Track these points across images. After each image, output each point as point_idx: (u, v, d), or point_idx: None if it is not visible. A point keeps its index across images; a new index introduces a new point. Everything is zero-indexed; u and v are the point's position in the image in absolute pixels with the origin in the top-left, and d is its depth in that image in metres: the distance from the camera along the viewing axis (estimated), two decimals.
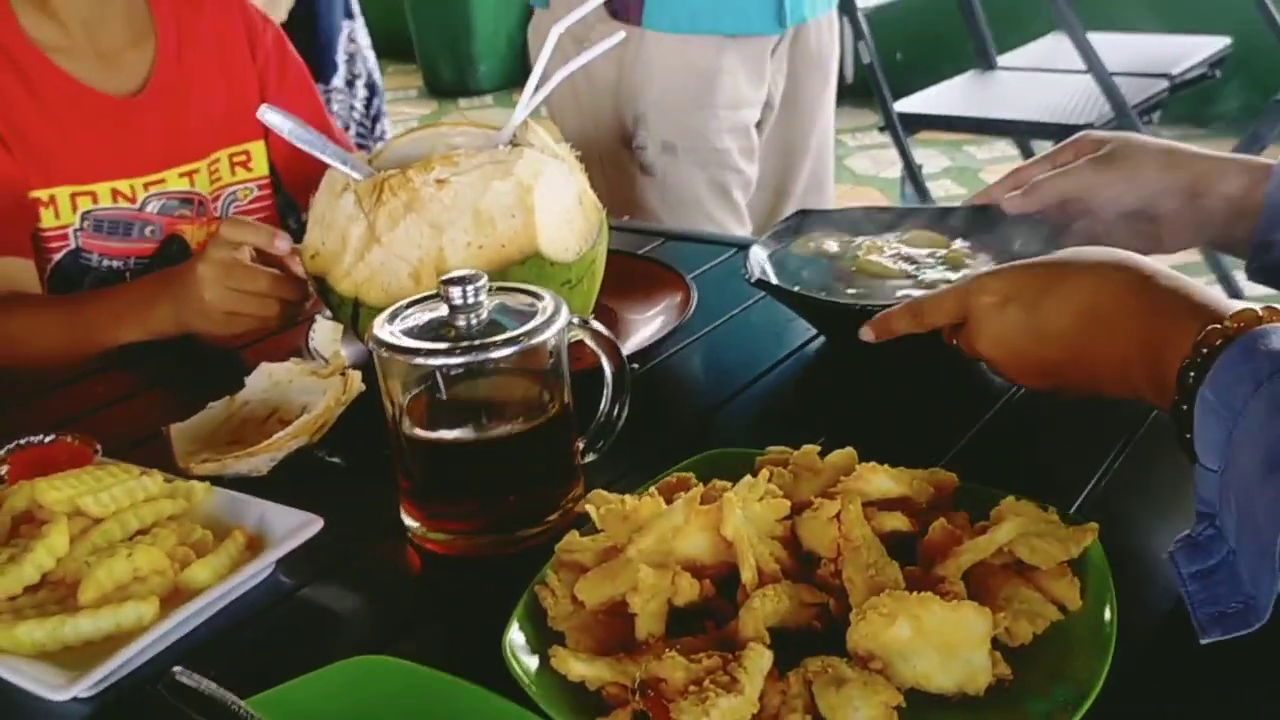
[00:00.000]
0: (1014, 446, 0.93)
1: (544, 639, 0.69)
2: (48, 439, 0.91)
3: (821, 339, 1.12)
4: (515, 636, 0.69)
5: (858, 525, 0.69)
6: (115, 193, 1.34)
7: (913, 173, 3.20)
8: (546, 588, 0.72)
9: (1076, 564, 0.70)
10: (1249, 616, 0.61)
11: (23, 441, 0.91)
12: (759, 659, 0.61)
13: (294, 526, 0.82)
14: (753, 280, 1.07)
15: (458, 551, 0.84)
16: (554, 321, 0.81)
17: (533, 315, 0.81)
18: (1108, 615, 0.67)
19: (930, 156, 4.58)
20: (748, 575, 0.68)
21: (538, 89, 1.09)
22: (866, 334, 0.92)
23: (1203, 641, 0.64)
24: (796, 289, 1.07)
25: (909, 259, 1.10)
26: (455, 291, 0.80)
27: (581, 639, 0.68)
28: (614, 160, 1.88)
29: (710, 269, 1.34)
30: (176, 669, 0.67)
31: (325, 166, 1.05)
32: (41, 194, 1.31)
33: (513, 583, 0.74)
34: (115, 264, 1.36)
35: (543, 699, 0.63)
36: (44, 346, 1.21)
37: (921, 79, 3.29)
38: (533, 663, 0.67)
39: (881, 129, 3.18)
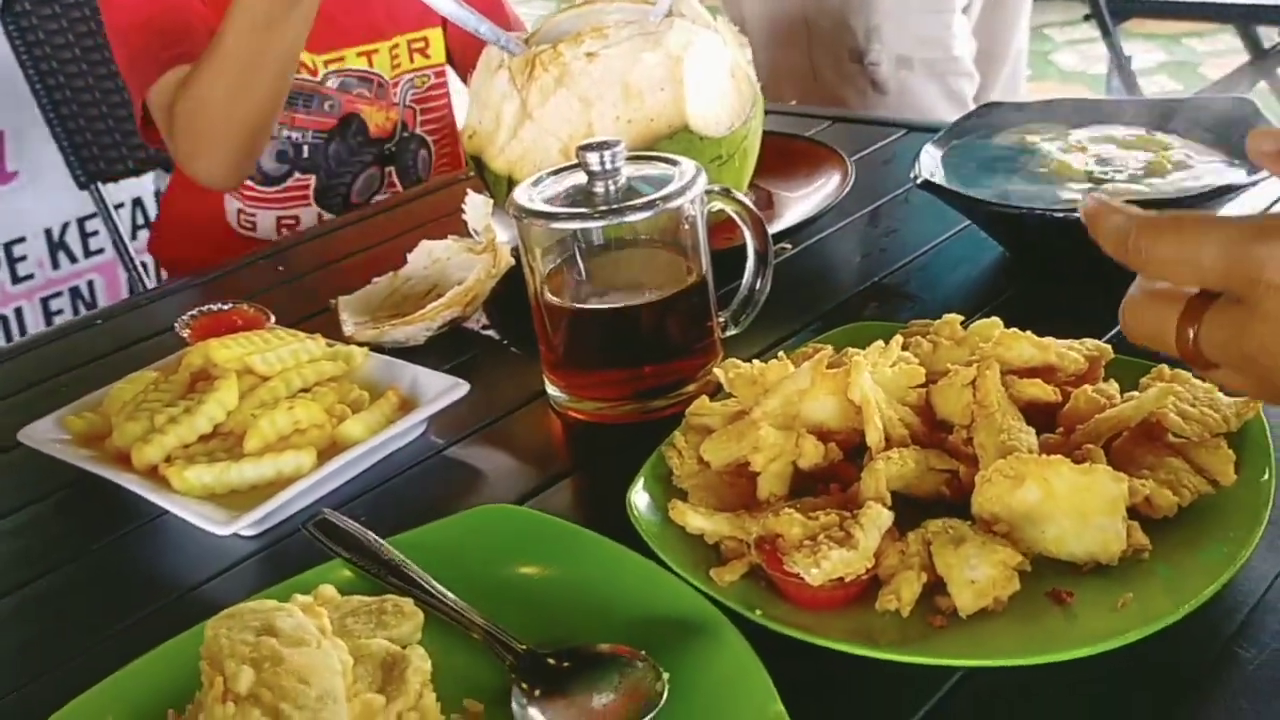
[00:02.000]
0: None
1: (670, 497, 0.70)
2: (226, 306, 0.97)
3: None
4: (639, 492, 0.70)
5: (993, 389, 0.66)
6: (299, 64, 1.40)
7: (1120, 65, 2.99)
8: (674, 448, 0.73)
9: (1234, 439, 0.65)
10: None
11: (206, 308, 0.97)
12: (876, 516, 0.60)
13: (443, 389, 0.85)
14: (919, 182, 0.98)
15: (597, 419, 0.86)
16: (691, 187, 0.80)
17: (671, 182, 0.81)
18: (1264, 493, 0.62)
19: (1144, 50, 4.26)
20: (873, 437, 0.66)
21: None
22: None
23: None
24: (963, 191, 0.96)
25: (1104, 160, 0.99)
26: (593, 158, 0.80)
27: (704, 497, 0.68)
28: (835, 76, 1.84)
29: (875, 150, 1.29)
30: (325, 510, 0.72)
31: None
32: None
33: (647, 448, 0.75)
34: (294, 135, 1.43)
35: (660, 548, 0.64)
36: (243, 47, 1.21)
37: None
38: (655, 517, 0.68)
39: (1087, 17, 2.98)
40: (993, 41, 1.92)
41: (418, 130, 1.53)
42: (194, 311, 0.96)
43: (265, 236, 1.49)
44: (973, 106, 1.88)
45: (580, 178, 0.83)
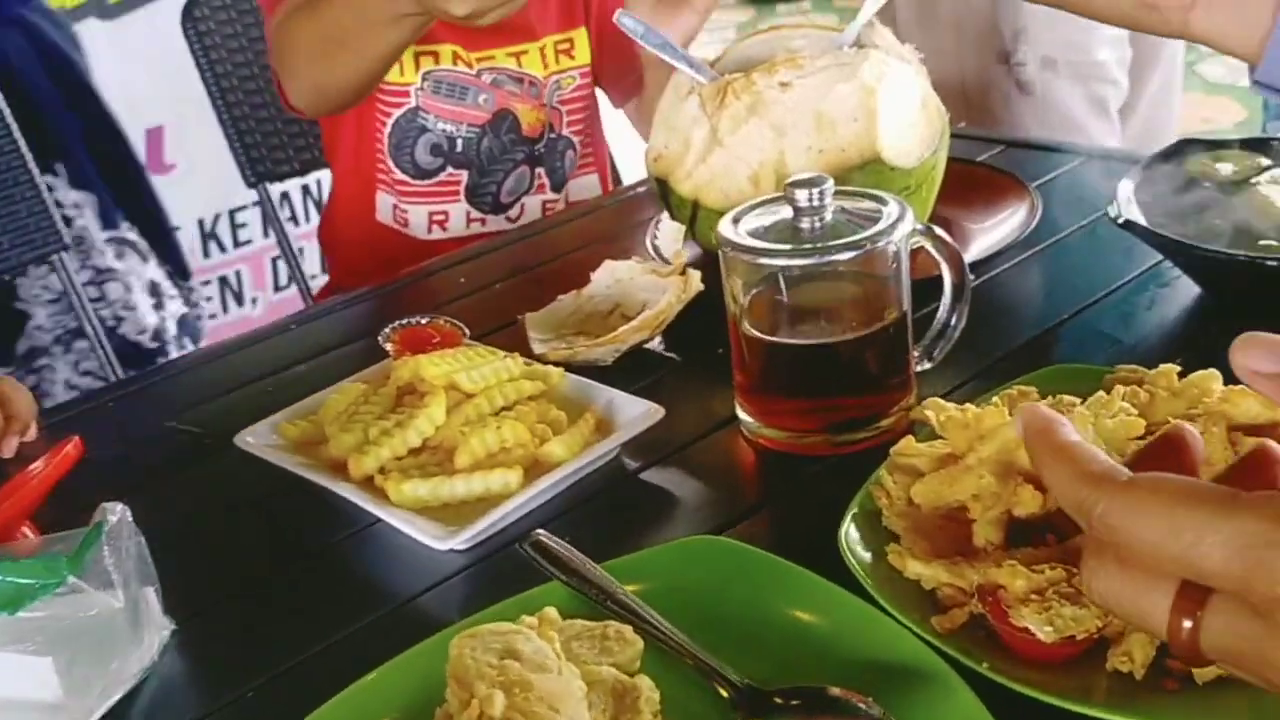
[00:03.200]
0: None
1: (875, 538, 0.71)
2: (424, 320, 1.01)
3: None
4: (851, 530, 0.71)
5: (1220, 448, 0.66)
6: (455, 55, 1.43)
7: None
8: (881, 488, 0.73)
9: None
10: None
11: (405, 321, 1.01)
12: None
13: (638, 414, 0.87)
14: (1120, 221, 0.96)
15: (787, 448, 0.87)
16: (898, 227, 0.80)
17: (876, 220, 0.81)
18: None
19: None
20: None
21: None
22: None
23: None
24: (1171, 236, 0.93)
25: None
26: (801, 194, 0.81)
27: (916, 540, 0.69)
28: (981, 79, 1.83)
29: (1055, 178, 1.28)
30: (539, 531, 0.74)
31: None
32: None
33: (842, 482, 0.75)
34: (448, 127, 1.46)
35: (877, 591, 0.65)
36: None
37: None
38: (866, 557, 0.69)
39: None
40: (1141, 45, 1.88)
41: (564, 132, 1.55)
42: (395, 324, 1.00)
43: (416, 233, 1.53)
44: (1114, 114, 1.86)
45: (785, 211, 0.84)
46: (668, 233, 0.99)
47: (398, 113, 1.45)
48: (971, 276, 1.07)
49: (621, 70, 1.57)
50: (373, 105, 1.45)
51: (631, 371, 0.98)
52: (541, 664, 0.58)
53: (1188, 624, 0.38)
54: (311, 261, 2.34)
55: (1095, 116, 1.82)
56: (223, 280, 2.87)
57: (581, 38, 1.52)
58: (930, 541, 0.69)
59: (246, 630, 0.77)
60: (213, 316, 2.74)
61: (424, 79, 1.44)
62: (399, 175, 1.49)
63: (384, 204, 1.54)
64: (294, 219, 2.84)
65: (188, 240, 2.69)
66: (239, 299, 2.91)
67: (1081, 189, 1.25)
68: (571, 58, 1.52)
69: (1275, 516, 0.35)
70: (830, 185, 0.82)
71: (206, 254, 2.81)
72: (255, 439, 0.89)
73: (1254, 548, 0.35)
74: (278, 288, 2.91)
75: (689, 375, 1.00)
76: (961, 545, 0.68)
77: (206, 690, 0.72)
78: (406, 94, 1.44)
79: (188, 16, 1.91)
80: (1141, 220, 0.95)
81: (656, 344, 1.03)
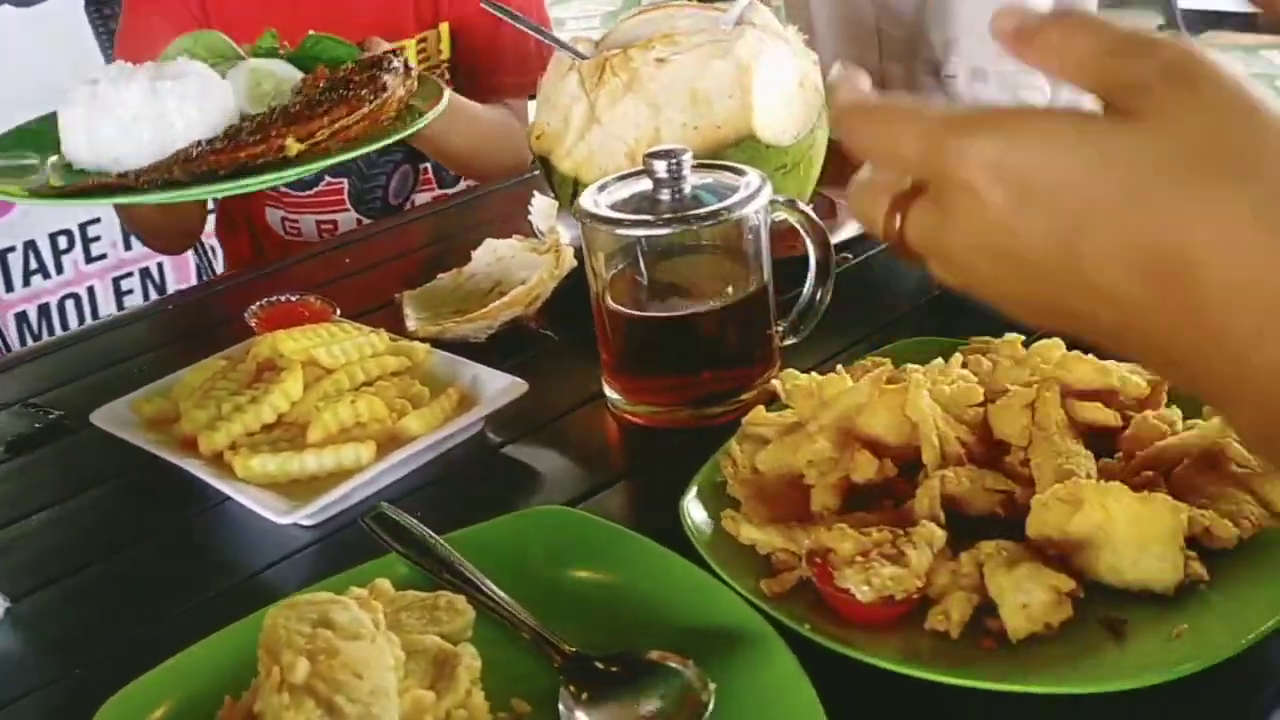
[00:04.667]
0: None
1: (722, 506, 0.70)
2: (294, 298, 1.00)
3: None
4: (692, 499, 0.70)
5: (1052, 411, 0.66)
6: None
7: None
8: (729, 457, 0.73)
9: None
10: None
11: (273, 299, 0.99)
12: (929, 535, 0.60)
13: (502, 388, 0.86)
14: None
15: (653, 423, 0.87)
16: (756, 199, 0.80)
17: (736, 192, 0.81)
18: None
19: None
20: (929, 455, 0.66)
21: None
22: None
23: None
24: None
25: None
26: (659, 165, 0.81)
27: (757, 507, 0.69)
28: (909, 91, 1.84)
29: None
30: (383, 504, 0.73)
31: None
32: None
33: (704, 454, 0.75)
34: None
35: (711, 556, 0.65)
36: None
37: None
38: (708, 526, 0.69)
39: (1161, 27, 2.93)
40: None
41: None
42: (262, 302, 0.98)
43: (309, 240, 1.51)
44: None
45: (646, 184, 0.83)
46: (540, 209, 0.98)
47: None
48: (849, 256, 1.08)
49: (490, 67, 1.52)
50: None
51: (506, 349, 0.97)
52: (356, 633, 0.57)
53: (896, 221, 0.43)
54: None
55: None
56: (144, 272, 2.82)
57: (446, 31, 1.48)
58: (772, 508, 0.69)
59: (84, 606, 0.75)
60: None
61: None
62: (282, 188, 1.46)
63: (273, 217, 1.52)
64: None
65: (109, 232, 2.64)
66: (160, 290, 2.86)
67: None
68: (440, 52, 1.48)
69: (959, 116, 0.40)
70: (688, 156, 0.81)
71: (129, 246, 2.75)
72: (110, 417, 0.87)
73: (936, 136, 0.40)
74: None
75: (564, 352, 1.00)
76: (802, 511, 0.68)
77: (38, 665, 0.70)
78: None
79: (90, 3, 1.88)
80: None
81: (534, 322, 1.02)
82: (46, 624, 0.73)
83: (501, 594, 0.65)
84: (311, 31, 1.12)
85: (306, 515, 0.76)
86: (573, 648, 0.61)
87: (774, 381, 0.75)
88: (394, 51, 1.04)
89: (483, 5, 1.06)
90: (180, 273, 2.84)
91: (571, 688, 0.59)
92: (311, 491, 0.77)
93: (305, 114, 0.92)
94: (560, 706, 0.58)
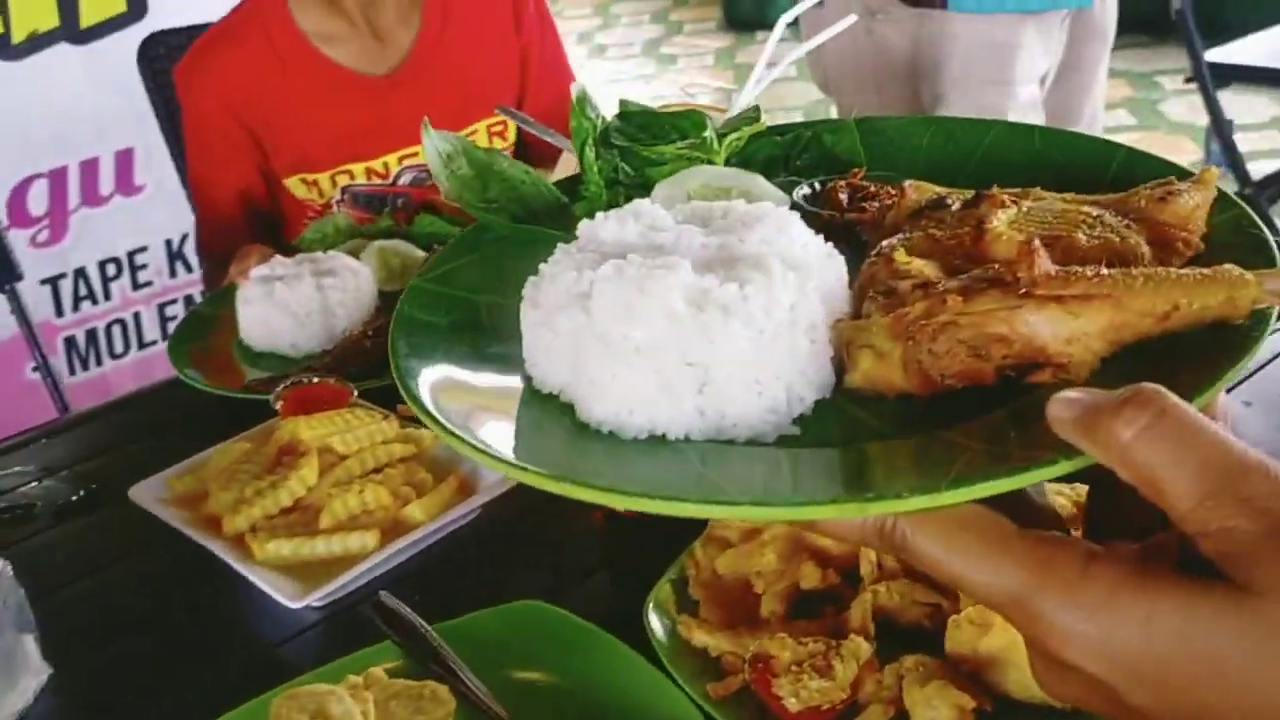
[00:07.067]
0: None
1: (686, 604, 0.78)
2: (314, 380, 1.08)
3: None
4: (657, 600, 0.78)
5: None
6: (370, 171, 1.48)
7: (1220, 128, 2.96)
8: (692, 559, 0.81)
9: None
10: None
11: (295, 380, 1.08)
12: (856, 650, 0.68)
13: (499, 477, 0.94)
14: None
15: (634, 513, 0.94)
16: None
17: None
18: None
19: (1253, 105, 4.16)
20: (865, 569, 0.74)
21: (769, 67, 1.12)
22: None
23: None
24: None
25: None
26: None
27: (713, 610, 0.76)
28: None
29: None
30: (382, 593, 0.81)
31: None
32: (304, 177, 1.46)
33: (683, 541, 0.82)
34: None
35: (667, 658, 0.73)
36: None
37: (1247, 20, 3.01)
38: (669, 625, 0.76)
39: (1188, 80, 2.95)
40: (1063, 110, 1.97)
41: None
42: (287, 383, 1.07)
43: None
44: None
45: None
46: None
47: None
48: None
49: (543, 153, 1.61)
50: (299, 216, 1.50)
51: None
52: None
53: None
54: None
55: None
56: (189, 300, 2.93)
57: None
58: (729, 610, 0.77)
59: (118, 675, 0.84)
60: None
61: (343, 193, 1.49)
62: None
63: None
64: None
65: (155, 260, 2.75)
66: None
67: None
68: (505, 139, 1.53)
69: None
70: None
71: (173, 274, 2.86)
72: (145, 494, 0.96)
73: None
74: None
75: None
76: (754, 614, 0.76)
77: None
78: (329, 207, 1.50)
79: (143, 57, 1.98)
80: None
81: None
82: (84, 693, 0.83)
83: (481, 686, 0.73)
84: (423, 213, 1.30)
85: (314, 600, 0.84)
86: None
87: None
88: None
89: (498, 112, 1.14)
90: None
91: None
92: (321, 574, 0.86)
93: None
94: None
